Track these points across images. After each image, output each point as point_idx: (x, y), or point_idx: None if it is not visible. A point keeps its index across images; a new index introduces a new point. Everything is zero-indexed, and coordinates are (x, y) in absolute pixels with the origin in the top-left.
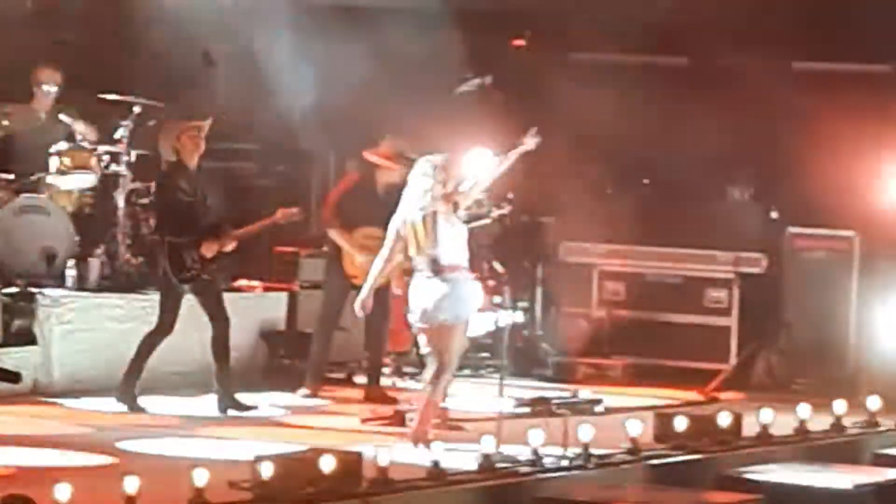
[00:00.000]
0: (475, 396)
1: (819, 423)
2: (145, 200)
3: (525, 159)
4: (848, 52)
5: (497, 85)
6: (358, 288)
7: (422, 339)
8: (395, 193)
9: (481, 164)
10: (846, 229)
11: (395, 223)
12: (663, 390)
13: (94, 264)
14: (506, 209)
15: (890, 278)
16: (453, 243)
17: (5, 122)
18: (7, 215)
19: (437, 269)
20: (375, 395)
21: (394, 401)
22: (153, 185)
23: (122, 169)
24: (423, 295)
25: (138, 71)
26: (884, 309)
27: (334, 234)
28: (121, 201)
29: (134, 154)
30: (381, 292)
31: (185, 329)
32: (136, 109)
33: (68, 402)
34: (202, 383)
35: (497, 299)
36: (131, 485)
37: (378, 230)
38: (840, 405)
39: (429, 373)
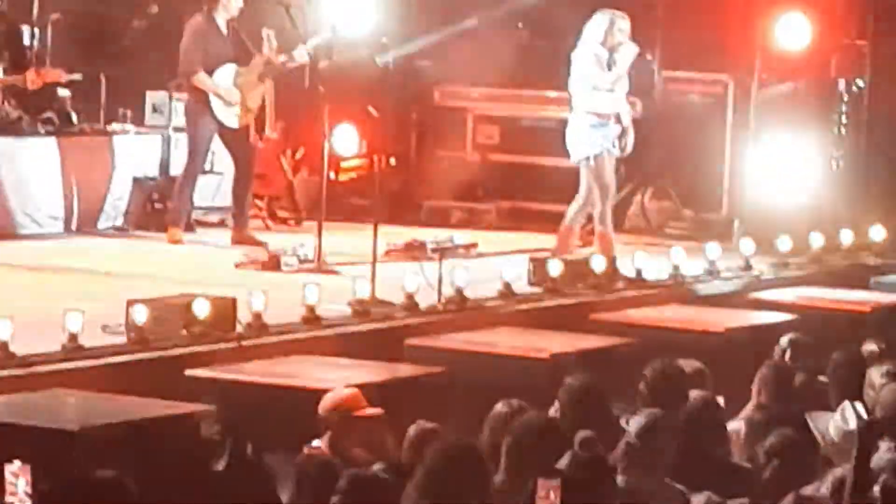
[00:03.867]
0: (349, 241)
1: (693, 266)
2: None
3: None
4: None
5: None
6: (231, 130)
7: (584, 174)
8: (234, 28)
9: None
10: (721, 73)
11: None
12: (538, 234)
13: None
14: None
15: (763, 122)
16: (606, 89)
17: None
18: None
19: (594, 111)
20: (243, 238)
21: (261, 243)
22: None
23: None
24: (579, 134)
25: None
26: (757, 152)
27: (200, 80)
28: None
29: None
30: (242, 133)
31: None
32: None
33: None
34: None
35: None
36: (4, 329)
37: (242, 67)
38: (713, 249)
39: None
